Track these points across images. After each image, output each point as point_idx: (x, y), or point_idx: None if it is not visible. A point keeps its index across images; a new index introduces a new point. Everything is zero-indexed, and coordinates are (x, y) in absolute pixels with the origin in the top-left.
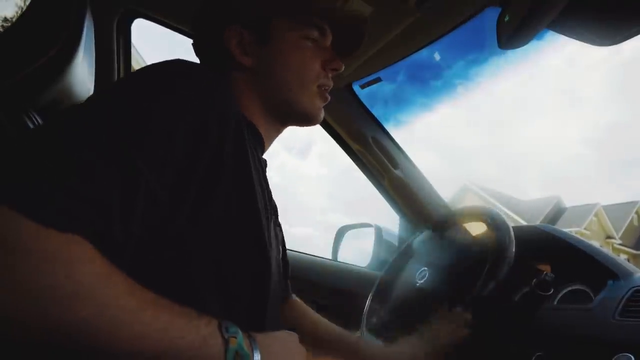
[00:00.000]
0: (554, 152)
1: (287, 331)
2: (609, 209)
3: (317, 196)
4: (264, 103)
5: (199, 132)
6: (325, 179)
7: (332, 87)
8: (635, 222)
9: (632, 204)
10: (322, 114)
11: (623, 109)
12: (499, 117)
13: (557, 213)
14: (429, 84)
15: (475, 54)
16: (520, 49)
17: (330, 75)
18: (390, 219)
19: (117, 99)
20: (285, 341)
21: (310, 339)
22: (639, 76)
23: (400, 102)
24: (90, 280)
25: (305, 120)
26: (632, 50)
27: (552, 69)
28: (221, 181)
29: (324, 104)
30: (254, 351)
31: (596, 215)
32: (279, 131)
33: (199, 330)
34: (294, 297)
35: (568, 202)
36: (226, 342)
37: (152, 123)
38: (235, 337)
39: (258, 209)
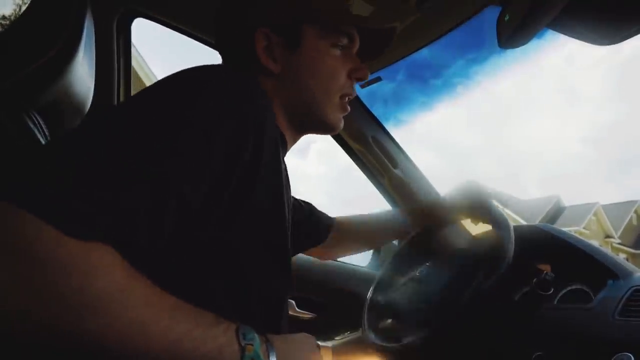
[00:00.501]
0: (553, 151)
1: (304, 334)
2: (608, 208)
3: (316, 195)
4: (287, 109)
5: (237, 140)
6: (325, 178)
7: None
8: (634, 222)
9: (631, 203)
10: (342, 124)
11: (622, 108)
12: (499, 116)
13: (557, 212)
14: (429, 83)
15: (475, 53)
16: (520, 48)
17: (354, 84)
18: None
19: (150, 105)
20: (302, 344)
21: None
22: (638, 75)
23: (400, 102)
24: (105, 290)
25: (325, 129)
26: (632, 49)
27: (551, 68)
28: (256, 188)
29: (344, 114)
30: (270, 357)
31: (595, 214)
32: (299, 136)
33: (215, 340)
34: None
35: (567, 202)
36: (242, 349)
37: (188, 131)
38: (252, 344)
39: (285, 215)
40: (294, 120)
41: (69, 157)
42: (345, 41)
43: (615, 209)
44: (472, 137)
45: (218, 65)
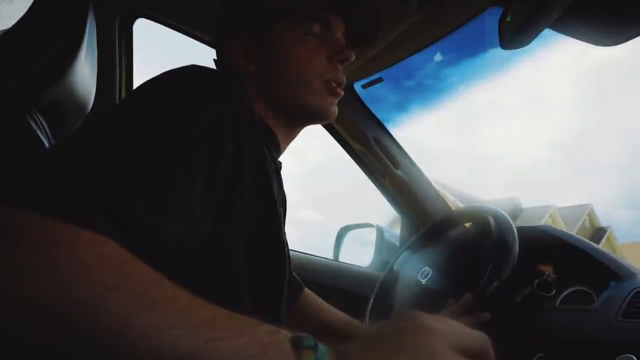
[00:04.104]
0: (520, 156)
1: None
2: (563, 210)
3: (289, 192)
4: (272, 106)
5: (217, 137)
6: (294, 176)
7: (344, 80)
8: (587, 224)
9: (584, 206)
10: (333, 109)
11: (589, 115)
12: (469, 120)
13: (515, 213)
14: (402, 85)
15: (455, 56)
16: (494, 54)
17: (340, 67)
18: (365, 216)
19: (135, 110)
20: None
21: (321, 326)
22: (606, 85)
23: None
24: (96, 261)
25: (316, 118)
26: (597, 58)
27: (522, 76)
28: (241, 184)
29: (337, 99)
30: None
31: (551, 216)
32: (294, 132)
33: (255, 336)
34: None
35: (528, 204)
36: (299, 355)
37: (171, 133)
38: (313, 351)
39: (277, 210)
40: (282, 116)
41: (61, 156)
42: (317, 28)
43: (570, 212)
44: (442, 140)
45: (200, 67)
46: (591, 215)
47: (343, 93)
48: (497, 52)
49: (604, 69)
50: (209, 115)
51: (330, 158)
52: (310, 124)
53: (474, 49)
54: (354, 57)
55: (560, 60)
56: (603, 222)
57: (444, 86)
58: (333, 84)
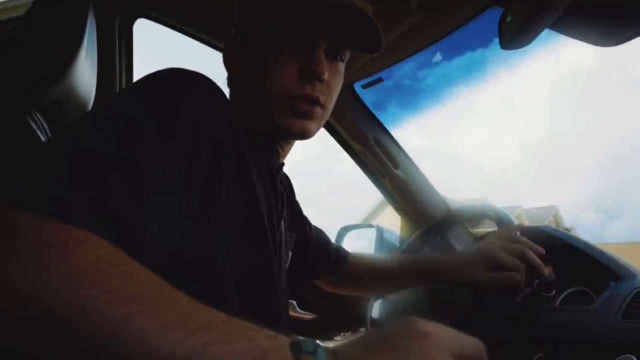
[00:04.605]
0: (494, 158)
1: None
2: (529, 212)
3: None
4: (247, 115)
5: (194, 140)
6: None
7: (316, 96)
8: (553, 225)
9: (550, 208)
10: (301, 129)
11: (562, 123)
12: (443, 121)
13: None
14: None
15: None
16: (473, 57)
17: (312, 82)
18: (342, 215)
19: (116, 113)
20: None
21: (376, 281)
22: (581, 91)
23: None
24: (91, 261)
25: (283, 137)
26: (577, 64)
27: (498, 79)
28: (219, 185)
29: (308, 118)
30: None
31: (517, 217)
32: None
33: (254, 341)
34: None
35: (497, 205)
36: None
37: (150, 135)
38: (312, 355)
39: (260, 210)
40: (255, 126)
41: (47, 155)
42: (293, 37)
43: (536, 213)
44: (414, 140)
45: (181, 70)
46: (557, 217)
47: (317, 111)
48: (477, 55)
49: (580, 75)
50: (186, 119)
51: (307, 157)
52: (280, 139)
53: (453, 51)
54: (325, 74)
55: (536, 66)
56: (571, 225)
57: (421, 88)
58: (303, 101)
